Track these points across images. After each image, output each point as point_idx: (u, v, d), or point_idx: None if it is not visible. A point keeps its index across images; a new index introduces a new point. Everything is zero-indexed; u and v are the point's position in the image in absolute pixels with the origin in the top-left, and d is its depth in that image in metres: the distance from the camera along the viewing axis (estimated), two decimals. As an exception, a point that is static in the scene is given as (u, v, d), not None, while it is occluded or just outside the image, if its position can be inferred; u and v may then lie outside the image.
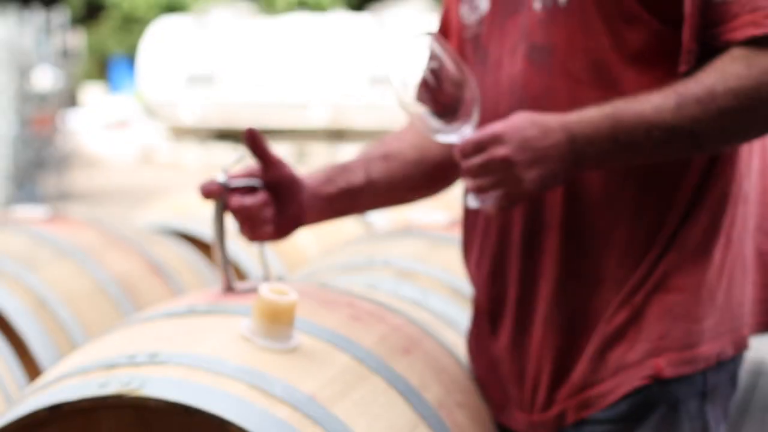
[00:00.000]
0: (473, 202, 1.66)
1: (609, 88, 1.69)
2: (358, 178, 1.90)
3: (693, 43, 1.63)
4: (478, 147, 1.62)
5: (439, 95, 1.64)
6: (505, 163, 1.60)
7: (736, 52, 1.61)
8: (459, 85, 1.64)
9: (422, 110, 1.65)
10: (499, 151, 1.60)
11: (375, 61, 15.93)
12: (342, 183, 1.89)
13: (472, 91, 1.64)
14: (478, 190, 1.64)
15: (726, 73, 1.60)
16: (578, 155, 1.62)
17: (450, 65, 1.64)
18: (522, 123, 1.62)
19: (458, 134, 1.65)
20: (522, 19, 1.75)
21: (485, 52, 1.82)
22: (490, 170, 1.61)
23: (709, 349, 1.71)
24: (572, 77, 1.71)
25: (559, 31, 1.71)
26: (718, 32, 1.63)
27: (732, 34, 1.61)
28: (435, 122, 1.65)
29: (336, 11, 18.22)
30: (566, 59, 1.71)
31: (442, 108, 1.65)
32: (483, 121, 1.68)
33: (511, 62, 1.76)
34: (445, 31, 1.98)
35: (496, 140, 1.61)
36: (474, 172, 1.63)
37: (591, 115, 1.62)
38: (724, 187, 1.73)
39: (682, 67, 1.64)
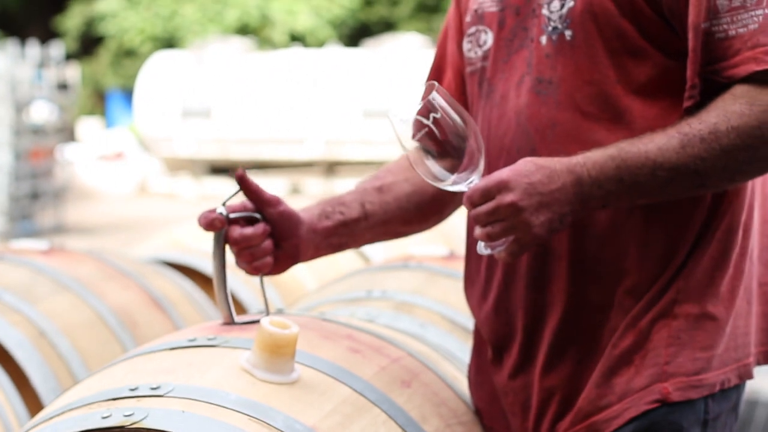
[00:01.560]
0: (484, 250, 1.67)
1: (615, 120, 1.71)
2: (354, 212, 1.91)
3: (696, 78, 1.65)
4: (486, 195, 1.62)
5: (444, 146, 1.65)
6: (513, 209, 1.61)
7: (738, 90, 1.63)
8: (463, 135, 1.65)
9: (428, 161, 1.66)
10: (507, 198, 1.61)
11: (370, 96, 15.97)
12: (338, 217, 1.90)
13: (477, 140, 1.65)
14: (488, 238, 1.64)
15: (728, 111, 1.62)
16: (584, 197, 1.64)
17: (454, 116, 1.64)
18: (527, 168, 1.63)
19: (465, 183, 1.66)
20: (528, 53, 1.78)
21: (490, 86, 1.84)
22: (499, 217, 1.62)
23: (715, 376, 1.72)
24: (578, 109, 1.73)
25: (565, 65, 1.73)
26: (721, 68, 1.64)
27: (734, 71, 1.63)
28: (441, 172, 1.66)
29: (331, 46, 18.26)
30: (572, 92, 1.73)
31: (448, 158, 1.65)
32: (490, 155, 1.70)
33: (517, 95, 1.78)
34: (440, 66, 2.00)
35: (502, 187, 1.62)
36: (483, 220, 1.63)
37: (596, 157, 1.64)
38: (733, 218, 1.74)
39: (687, 102, 1.66)
